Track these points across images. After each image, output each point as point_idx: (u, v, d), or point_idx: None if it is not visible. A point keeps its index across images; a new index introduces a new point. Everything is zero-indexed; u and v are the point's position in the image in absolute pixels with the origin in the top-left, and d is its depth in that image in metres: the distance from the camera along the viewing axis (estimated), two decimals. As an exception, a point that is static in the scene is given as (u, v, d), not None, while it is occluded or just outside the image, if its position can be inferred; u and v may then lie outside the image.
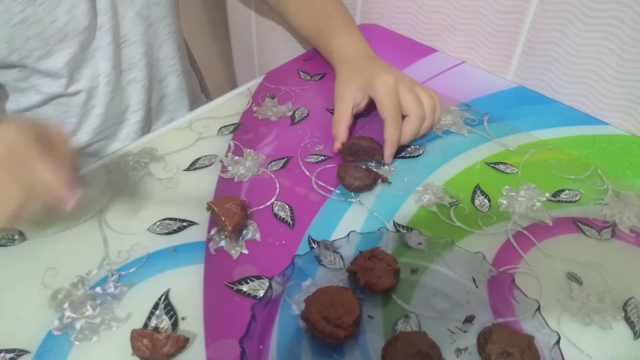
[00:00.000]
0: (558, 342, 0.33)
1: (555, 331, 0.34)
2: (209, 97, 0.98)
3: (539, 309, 0.35)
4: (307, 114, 0.57)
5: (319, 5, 0.65)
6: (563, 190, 0.48)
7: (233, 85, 1.15)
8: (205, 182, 0.48)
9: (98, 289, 0.39)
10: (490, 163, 0.51)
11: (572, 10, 0.53)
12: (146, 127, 0.68)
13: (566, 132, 0.55)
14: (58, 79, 0.56)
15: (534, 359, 0.33)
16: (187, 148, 0.52)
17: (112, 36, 0.57)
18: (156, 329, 0.36)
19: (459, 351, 0.35)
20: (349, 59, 0.58)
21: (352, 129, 0.53)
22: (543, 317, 0.35)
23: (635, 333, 0.37)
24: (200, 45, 1.05)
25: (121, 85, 0.62)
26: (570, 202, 0.47)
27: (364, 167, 0.49)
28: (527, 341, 0.34)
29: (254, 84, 0.62)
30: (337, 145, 0.51)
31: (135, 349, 0.34)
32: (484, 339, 0.35)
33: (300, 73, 0.64)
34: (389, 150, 0.50)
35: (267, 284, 0.38)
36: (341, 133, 0.51)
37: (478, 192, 0.48)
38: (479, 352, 0.35)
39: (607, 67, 0.54)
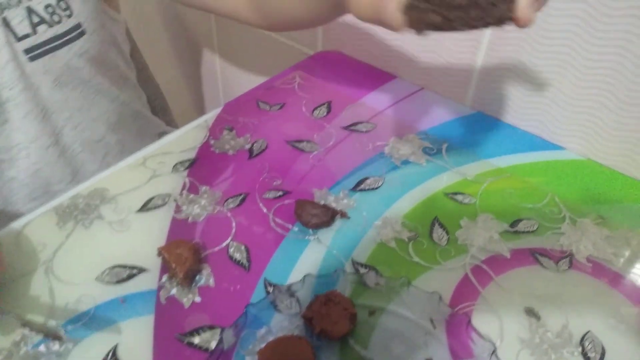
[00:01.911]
0: (514, 386, 0.33)
1: (512, 375, 0.33)
2: (173, 124, 0.96)
3: (494, 352, 0.35)
4: (266, 147, 0.56)
5: None
6: (521, 220, 0.48)
7: (199, 110, 1.13)
8: (158, 224, 0.47)
9: (42, 347, 0.37)
10: (449, 193, 0.51)
11: (526, 38, 0.54)
12: None
13: (524, 159, 0.55)
14: None
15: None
16: (141, 187, 0.51)
17: (25, 110, 0.55)
18: (102, 389, 0.35)
19: (416, 399, 0.35)
20: None
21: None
22: (498, 358, 0.35)
23: (592, 369, 0.37)
24: (164, 70, 1.03)
25: (46, 157, 0.59)
26: (527, 232, 0.47)
27: (321, 203, 0.48)
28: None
29: (211, 115, 0.60)
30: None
31: (77, 415, 0.32)
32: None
33: (260, 103, 0.63)
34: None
35: (222, 336, 0.37)
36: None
37: (436, 224, 0.48)
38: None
39: (561, 94, 0.54)
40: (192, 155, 0.55)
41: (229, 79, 0.95)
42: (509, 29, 0.54)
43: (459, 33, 0.26)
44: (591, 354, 0.38)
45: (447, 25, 0.26)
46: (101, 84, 0.63)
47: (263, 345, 0.36)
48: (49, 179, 0.61)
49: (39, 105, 0.57)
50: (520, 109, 0.59)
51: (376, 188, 0.52)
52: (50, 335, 0.37)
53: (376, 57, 0.69)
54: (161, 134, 0.80)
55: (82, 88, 0.60)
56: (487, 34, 0.56)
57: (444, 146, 0.57)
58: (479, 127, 0.60)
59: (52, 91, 0.57)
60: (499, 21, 0.26)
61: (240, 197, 0.50)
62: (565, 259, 0.45)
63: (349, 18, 0.68)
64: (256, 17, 0.54)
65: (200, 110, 1.11)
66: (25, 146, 0.58)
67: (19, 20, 0.52)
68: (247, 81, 0.92)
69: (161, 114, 0.96)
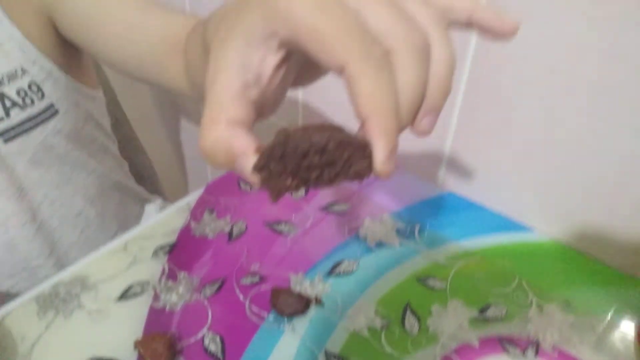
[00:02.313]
0: None
1: None
2: (159, 191, 0.98)
3: None
4: (245, 229, 0.58)
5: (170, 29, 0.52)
6: (489, 306, 0.50)
7: (185, 177, 1.16)
8: (136, 313, 0.48)
9: None
10: (421, 278, 0.53)
11: (494, 123, 0.57)
12: (68, 264, 0.67)
13: (493, 240, 0.58)
14: None
15: None
16: (121, 274, 0.52)
17: (0, 189, 0.57)
18: None
19: None
20: (217, 14, 0.32)
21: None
22: None
23: None
24: (153, 140, 1.06)
25: (23, 233, 0.61)
26: (496, 319, 0.49)
27: (296, 290, 0.49)
28: None
29: (193, 197, 0.63)
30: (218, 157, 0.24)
31: None
32: None
33: (241, 183, 0.65)
34: (383, 141, 0.22)
35: None
36: (211, 136, 0.24)
37: (408, 311, 0.49)
38: None
39: (529, 176, 0.57)
40: (172, 239, 0.56)
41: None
42: (478, 117, 0.58)
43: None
44: None
45: (303, 185, 0.24)
46: (78, 158, 0.65)
47: None
48: (27, 255, 0.62)
49: (14, 184, 0.58)
50: (489, 189, 0.61)
51: (351, 272, 0.53)
52: None
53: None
54: (143, 203, 0.82)
55: (59, 164, 0.62)
56: (455, 116, 0.60)
57: (417, 227, 0.59)
58: (450, 207, 0.63)
59: (27, 170, 0.59)
60: (359, 177, 0.24)
61: (218, 284, 0.51)
62: (531, 347, 0.46)
63: (328, 95, 0.72)
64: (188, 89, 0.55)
65: (187, 177, 1.14)
66: (2, 223, 0.59)
67: None
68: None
69: (148, 182, 0.99)
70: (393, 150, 0.23)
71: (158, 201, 0.85)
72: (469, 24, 0.26)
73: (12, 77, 0.56)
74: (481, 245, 0.57)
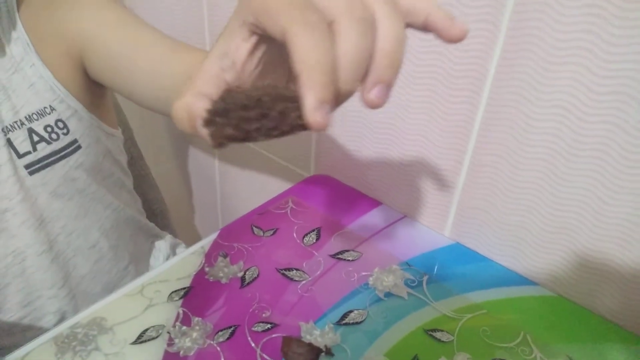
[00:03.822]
0: None
1: None
2: (170, 228, 1.00)
3: None
4: (258, 275, 0.60)
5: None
6: (495, 361, 0.51)
7: (196, 216, 1.18)
8: (151, 357, 0.49)
9: None
10: (428, 330, 0.54)
11: (498, 181, 0.59)
12: (80, 295, 0.69)
13: (499, 294, 0.59)
14: None
15: None
16: (136, 317, 0.53)
17: (22, 218, 0.60)
18: None
19: None
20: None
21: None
22: None
23: None
24: (166, 178, 1.09)
25: (40, 262, 0.63)
26: (501, 374, 0.50)
27: (307, 339, 0.51)
28: None
29: (208, 241, 0.65)
30: (190, 119, 0.29)
31: None
32: None
33: (254, 228, 0.68)
34: (311, 91, 0.24)
35: None
36: (190, 104, 0.28)
37: (416, 364, 0.50)
38: None
39: (531, 235, 0.59)
40: (187, 283, 0.58)
41: (228, 187, 1.01)
42: (486, 163, 0.60)
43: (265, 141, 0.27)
44: None
45: (245, 138, 0.26)
46: (96, 192, 0.68)
47: None
48: (41, 285, 0.64)
49: (35, 214, 0.61)
50: (495, 242, 0.63)
51: (360, 322, 0.55)
52: None
53: (362, 183, 0.75)
54: (154, 238, 0.84)
55: (78, 197, 0.65)
56: (465, 167, 0.62)
57: (425, 278, 0.61)
58: (457, 258, 0.64)
59: (49, 201, 0.62)
60: (295, 129, 0.26)
61: (230, 330, 0.53)
62: (536, 404, 0.47)
63: (340, 144, 0.75)
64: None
65: (198, 217, 1.16)
66: (20, 252, 0.61)
67: (21, 140, 0.58)
68: (245, 198, 0.98)
69: (160, 218, 1.01)
70: (323, 102, 0.24)
71: (168, 238, 0.87)
72: (425, 27, 0.29)
73: (41, 114, 0.60)
74: (487, 298, 0.58)
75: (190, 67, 0.55)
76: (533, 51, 0.51)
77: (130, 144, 0.93)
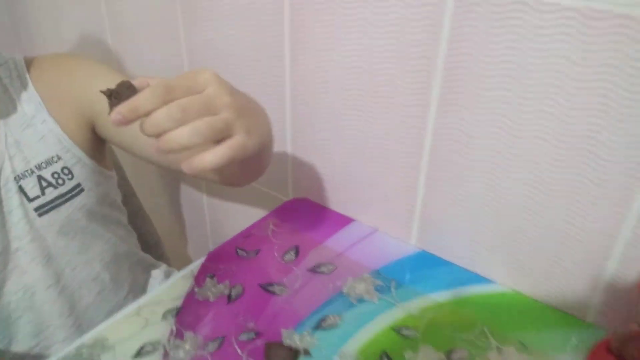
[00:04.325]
0: None
1: None
2: (164, 257, 1.07)
3: None
4: (242, 291, 0.67)
5: None
6: (455, 350, 0.57)
7: (188, 245, 1.25)
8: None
9: None
10: (396, 328, 0.61)
11: (450, 192, 0.67)
12: (85, 323, 0.75)
13: (459, 293, 0.66)
14: None
15: None
16: (135, 335, 0.60)
17: (32, 256, 0.67)
18: None
19: None
20: None
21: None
22: None
23: None
24: (158, 211, 1.16)
25: (48, 295, 0.70)
26: (460, 361, 0.56)
27: (287, 343, 0.57)
28: None
29: (196, 265, 0.71)
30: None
31: None
32: None
33: (239, 250, 0.74)
34: (121, 108, 0.41)
35: None
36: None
37: (385, 358, 0.57)
38: None
39: (484, 235, 0.66)
40: (179, 303, 0.64)
41: (217, 215, 1.08)
42: (439, 178, 0.68)
43: None
44: None
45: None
46: (96, 230, 0.75)
47: None
48: (50, 315, 0.71)
49: (43, 252, 0.68)
50: (455, 247, 0.70)
51: (335, 326, 0.61)
52: None
53: (336, 203, 0.82)
54: (150, 268, 0.91)
55: (81, 235, 0.73)
56: (422, 182, 0.69)
57: (393, 283, 0.67)
58: (422, 264, 0.71)
59: (55, 240, 0.69)
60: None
61: (219, 341, 0.59)
62: (490, 384, 0.53)
63: (313, 169, 0.82)
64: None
65: (190, 245, 1.22)
66: (31, 286, 0.68)
67: (31, 186, 0.66)
68: (231, 223, 1.05)
69: (154, 249, 1.08)
70: (126, 114, 0.41)
71: (163, 267, 0.93)
72: None
73: (49, 162, 0.68)
74: (449, 297, 0.65)
75: None
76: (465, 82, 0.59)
77: (123, 182, 1.01)
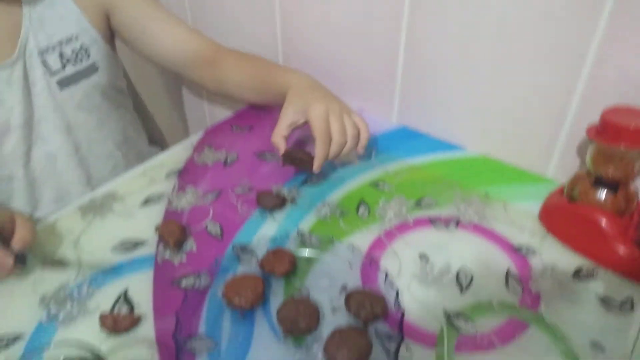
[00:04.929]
0: (397, 294, 0.49)
1: (396, 288, 0.49)
2: (164, 143, 1.14)
3: (387, 276, 0.51)
4: (237, 158, 0.74)
5: (257, 65, 0.81)
6: (424, 199, 0.65)
7: (186, 131, 1.32)
8: (154, 214, 0.63)
9: (75, 291, 0.53)
10: (374, 183, 0.68)
11: (426, 66, 0.72)
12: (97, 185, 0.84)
13: (433, 158, 0.73)
14: (3, 165, 0.72)
15: (381, 307, 0.48)
16: (142, 189, 0.67)
17: (54, 125, 0.74)
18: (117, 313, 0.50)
19: (334, 309, 0.50)
20: (294, 86, 0.72)
21: (294, 139, 0.70)
22: (391, 281, 0.50)
23: (461, 290, 0.53)
24: (156, 99, 1.22)
25: (69, 164, 0.78)
26: (428, 206, 0.64)
27: (274, 193, 0.64)
28: (377, 297, 0.49)
29: (195, 138, 0.78)
30: (280, 152, 0.66)
31: (102, 325, 0.48)
32: (347, 297, 0.50)
33: (234, 127, 0.81)
34: (317, 163, 0.63)
35: (200, 280, 0.53)
36: (279, 143, 0.66)
37: (362, 204, 0.64)
38: (346, 308, 0.50)
39: (459, 105, 0.72)
40: (180, 166, 0.72)
41: (214, 104, 1.14)
42: (417, 55, 0.73)
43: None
44: (462, 281, 0.54)
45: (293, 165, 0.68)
46: (109, 110, 0.83)
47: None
48: (69, 182, 0.80)
49: (64, 122, 0.77)
50: (432, 121, 0.76)
51: (319, 183, 0.69)
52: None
53: (327, 82, 0.87)
54: (153, 151, 0.98)
55: (96, 112, 0.81)
56: (401, 58, 0.75)
57: (373, 152, 0.74)
58: (402, 136, 0.78)
59: (75, 113, 0.77)
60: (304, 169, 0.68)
61: (217, 193, 0.67)
62: (453, 222, 0.61)
63: (304, 42, 0.87)
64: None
65: (187, 131, 1.30)
66: (53, 155, 0.76)
67: (53, 60, 0.73)
68: (228, 106, 1.11)
69: (152, 135, 1.14)
70: (320, 165, 0.64)
71: None
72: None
73: (69, 40, 0.75)
74: (424, 160, 0.72)
75: (188, 47, 0.82)
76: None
77: (125, 77, 1.06)
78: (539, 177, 0.68)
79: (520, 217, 0.61)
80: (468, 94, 0.70)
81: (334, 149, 0.64)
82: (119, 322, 0.48)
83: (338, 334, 0.45)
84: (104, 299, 0.52)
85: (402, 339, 0.45)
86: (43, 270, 0.55)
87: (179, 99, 1.23)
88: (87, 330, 0.49)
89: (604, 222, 0.53)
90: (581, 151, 0.64)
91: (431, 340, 0.47)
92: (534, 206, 0.62)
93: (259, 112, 0.84)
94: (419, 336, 0.48)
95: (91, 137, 0.80)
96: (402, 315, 0.47)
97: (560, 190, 0.61)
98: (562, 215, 0.58)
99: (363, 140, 0.68)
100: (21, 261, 0.53)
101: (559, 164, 0.67)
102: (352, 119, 0.67)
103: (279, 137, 0.66)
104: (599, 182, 0.55)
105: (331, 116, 0.65)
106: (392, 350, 0.45)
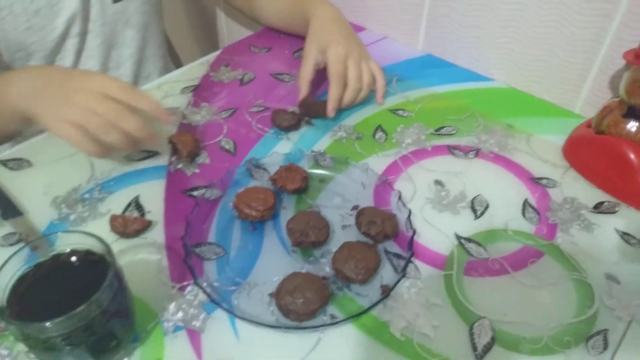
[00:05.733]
0: (409, 214, 0.48)
1: (409, 208, 0.48)
2: (177, 63, 1.12)
3: (400, 197, 0.50)
4: (254, 78, 0.72)
5: None
6: (444, 127, 0.63)
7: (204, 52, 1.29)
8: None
9: (87, 195, 0.53)
10: (393, 110, 0.66)
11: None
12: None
13: (458, 87, 0.70)
14: None
15: (392, 225, 0.47)
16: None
17: (100, 41, 0.71)
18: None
19: (344, 226, 0.50)
20: (318, 16, 0.69)
21: (315, 82, 0.65)
22: (403, 202, 0.49)
23: (475, 216, 0.52)
24: (174, 19, 1.19)
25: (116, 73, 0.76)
26: (448, 135, 0.61)
27: (290, 111, 0.63)
28: (389, 215, 0.48)
29: (212, 56, 0.76)
30: (301, 95, 0.64)
31: (112, 227, 0.48)
32: (358, 213, 0.49)
33: (252, 47, 0.78)
34: (330, 105, 0.61)
35: (212, 191, 0.52)
36: (303, 86, 0.64)
37: (379, 129, 0.62)
38: (357, 225, 0.49)
39: (488, 34, 0.68)
40: (196, 82, 0.70)
41: (232, 27, 1.10)
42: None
43: None
44: (477, 208, 0.52)
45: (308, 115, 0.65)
46: (154, 31, 0.80)
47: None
48: None
49: (111, 37, 0.74)
50: (458, 49, 0.73)
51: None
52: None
53: (349, 12, 0.84)
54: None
55: (143, 31, 0.77)
56: (427, 2, 0.70)
57: (395, 78, 0.71)
58: (426, 65, 0.74)
59: (123, 29, 0.74)
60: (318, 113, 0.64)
61: (231, 111, 0.65)
62: (473, 151, 0.59)
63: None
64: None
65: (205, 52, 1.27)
66: (97, 70, 0.74)
67: None
68: (246, 28, 1.07)
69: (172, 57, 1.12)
70: (334, 109, 0.63)
71: None
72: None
73: None
74: (447, 90, 0.69)
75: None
76: None
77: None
78: (566, 111, 0.65)
79: (543, 150, 0.59)
80: (497, 23, 0.66)
81: (348, 95, 0.63)
82: (129, 224, 0.48)
83: (347, 247, 0.45)
84: (116, 204, 0.52)
85: (411, 256, 0.45)
86: (54, 174, 0.55)
87: (197, 23, 1.19)
88: (97, 232, 0.49)
89: (632, 154, 0.50)
90: (613, 83, 0.61)
91: (441, 262, 0.47)
92: (559, 139, 0.59)
93: (279, 34, 0.81)
94: (429, 257, 0.47)
95: (135, 57, 0.77)
96: (413, 235, 0.46)
97: (587, 123, 0.58)
98: (587, 147, 0.55)
99: (380, 90, 0.66)
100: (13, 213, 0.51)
101: (588, 100, 0.64)
102: (369, 66, 0.65)
103: (304, 81, 0.64)
104: (631, 112, 0.52)
105: (349, 60, 0.63)
106: (401, 267, 0.44)
